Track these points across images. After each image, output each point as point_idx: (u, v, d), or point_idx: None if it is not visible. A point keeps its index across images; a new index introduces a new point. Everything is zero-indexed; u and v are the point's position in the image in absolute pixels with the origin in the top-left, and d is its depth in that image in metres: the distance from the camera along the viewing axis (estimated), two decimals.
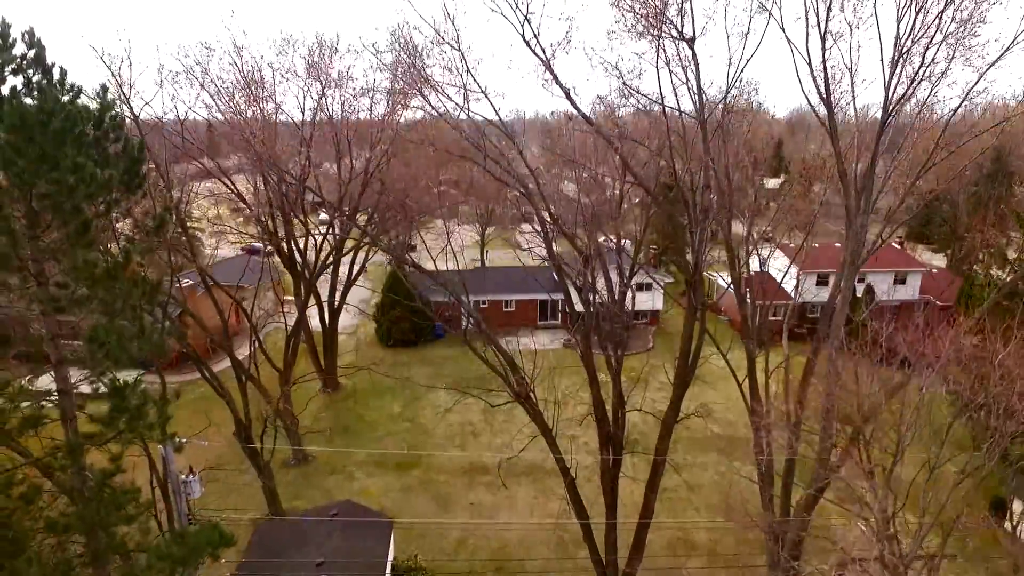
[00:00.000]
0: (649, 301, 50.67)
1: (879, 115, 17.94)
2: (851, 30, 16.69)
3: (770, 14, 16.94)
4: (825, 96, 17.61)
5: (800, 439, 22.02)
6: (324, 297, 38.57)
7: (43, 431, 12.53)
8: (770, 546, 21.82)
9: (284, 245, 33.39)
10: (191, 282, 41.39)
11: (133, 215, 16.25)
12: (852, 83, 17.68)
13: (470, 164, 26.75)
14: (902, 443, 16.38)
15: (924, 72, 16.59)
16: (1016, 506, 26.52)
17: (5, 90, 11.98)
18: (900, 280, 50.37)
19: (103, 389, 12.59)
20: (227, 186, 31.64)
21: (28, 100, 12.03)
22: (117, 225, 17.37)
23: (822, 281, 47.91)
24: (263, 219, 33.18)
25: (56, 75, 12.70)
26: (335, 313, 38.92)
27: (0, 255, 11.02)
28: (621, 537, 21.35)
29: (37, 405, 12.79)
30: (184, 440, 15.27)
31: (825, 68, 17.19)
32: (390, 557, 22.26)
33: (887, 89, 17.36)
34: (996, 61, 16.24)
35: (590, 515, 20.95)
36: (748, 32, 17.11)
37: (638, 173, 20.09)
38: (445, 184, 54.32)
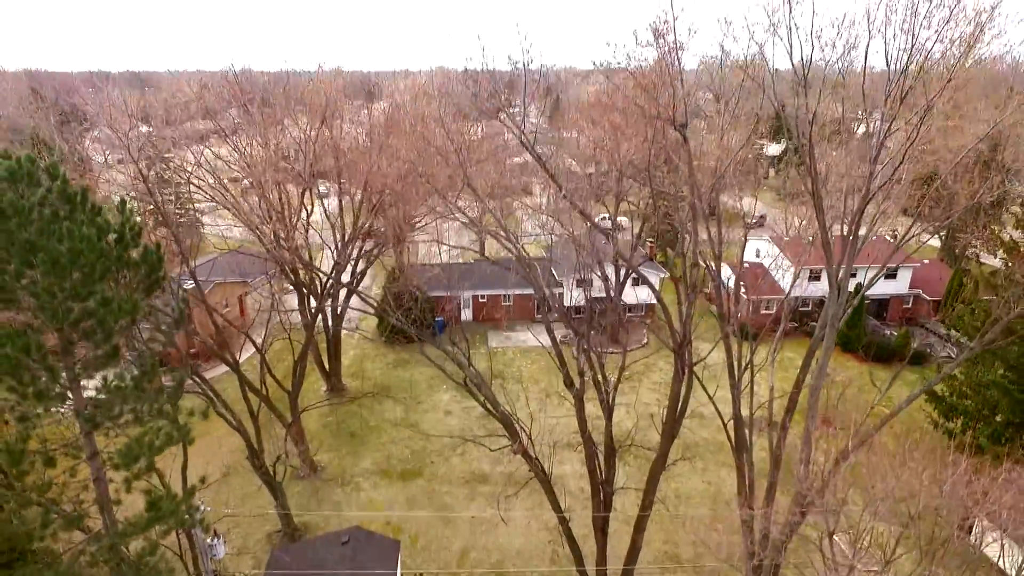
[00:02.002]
0: (644, 294, 51.65)
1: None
2: None
3: None
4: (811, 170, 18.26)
5: (784, 443, 23.28)
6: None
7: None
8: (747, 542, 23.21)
9: (289, 264, 34.08)
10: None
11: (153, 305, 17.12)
12: None
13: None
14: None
15: None
16: (979, 522, 28.24)
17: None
18: (891, 275, 51.28)
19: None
20: (232, 207, 32.16)
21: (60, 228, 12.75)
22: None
23: (815, 276, 48.83)
24: (267, 231, 33.87)
25: (78, 197, 13.38)
26: (338, 318, 39.98)
27: (41, 392, 12.03)
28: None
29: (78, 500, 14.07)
30: (209, 508, 16.66)
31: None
32: (398, 574, 24.05)
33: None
34: None
35: (586, 536, 22.59)
36: None
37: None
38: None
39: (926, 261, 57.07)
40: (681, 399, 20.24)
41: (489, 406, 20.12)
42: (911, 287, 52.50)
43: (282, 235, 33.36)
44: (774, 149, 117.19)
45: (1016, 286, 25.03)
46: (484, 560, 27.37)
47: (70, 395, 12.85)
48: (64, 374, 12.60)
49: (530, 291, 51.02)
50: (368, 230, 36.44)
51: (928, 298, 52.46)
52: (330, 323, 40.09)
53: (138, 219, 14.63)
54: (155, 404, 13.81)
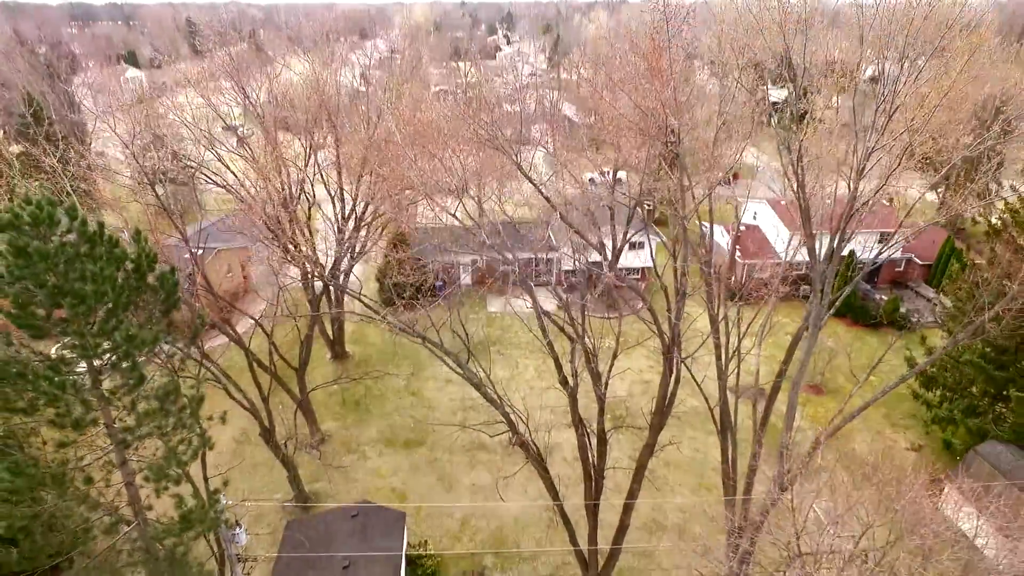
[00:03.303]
0: (641, 258, 52.46)
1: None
2: None
3: None
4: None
5: (770, 413, 24.65)
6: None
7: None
8: (728, 517, 25.07)
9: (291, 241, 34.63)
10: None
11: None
12: None
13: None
14: None
15: None
16: (949, 488, 30.14)
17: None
18: (886, 240, 51.89)
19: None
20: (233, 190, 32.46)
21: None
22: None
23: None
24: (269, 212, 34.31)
25: (97, 234, 14.07)
26: (341, 292, 40.84)
27: (78, 420, 13.10)
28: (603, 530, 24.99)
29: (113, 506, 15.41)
30: (231, 502, 18.10)
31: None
32: (404, 547, 25.97)
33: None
34: None
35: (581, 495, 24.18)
36: None
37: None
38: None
39: (921, 223, 57.52)
40: (668, 395, 21.44)
41: (490, 399, 21.27)
42: (904, 251, 53.21)
43: (284, 216, 33.80)
44: (778, 95, 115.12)
45: (1001, 275, 25.98)
46: (484, 527, 29.35)
47: (102, 419, 13.96)
48: (95, 401, 13.66)
49: (529, 256, 51.74)
50: (366, 208, 36.84)
51: (920, 262, 53.33)
52: (332, 294, 41.01)
53: (152, 247, 15.32)
54: (179, 420, 14.95)
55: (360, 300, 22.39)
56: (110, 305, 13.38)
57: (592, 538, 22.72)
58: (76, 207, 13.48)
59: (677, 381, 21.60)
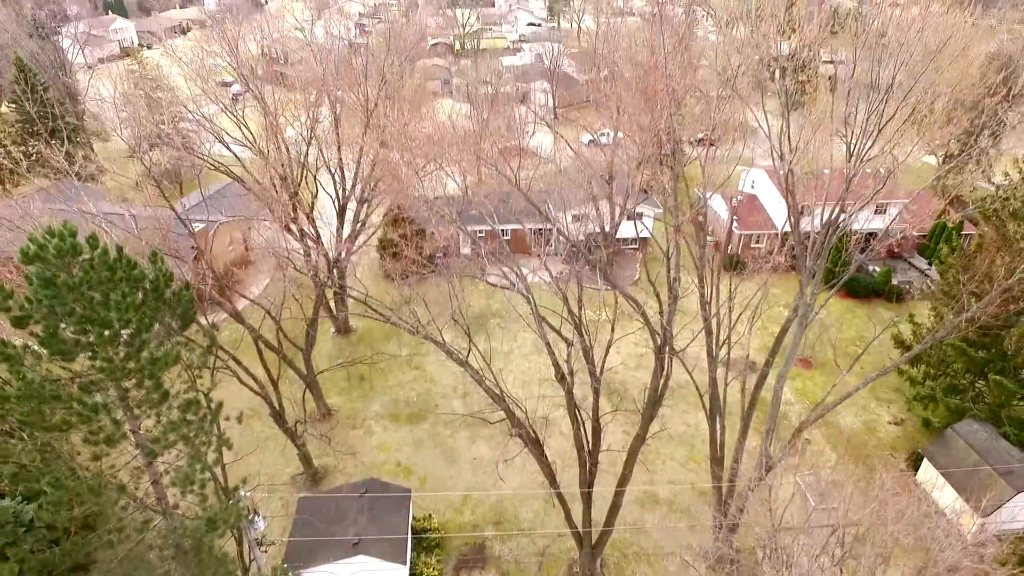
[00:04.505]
0: (640, 227, 52.89)
1: None
2: None
3: None
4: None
5: (757, 396, 25.95)
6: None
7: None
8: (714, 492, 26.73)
9: (295, 222, 35.16)
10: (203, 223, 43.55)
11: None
12: None
13: None
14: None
15: None
16: (926, 466, 31.72)
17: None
18: (881, 210, 52.39)
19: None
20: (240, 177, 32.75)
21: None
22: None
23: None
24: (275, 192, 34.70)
25: (117, 261, 14.79)
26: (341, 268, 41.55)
27: (109, 436, 14.13)
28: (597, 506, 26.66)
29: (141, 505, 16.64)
30: (249, 493, 19.41)
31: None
32: (409, 522, 27.61)
33: None
34: None
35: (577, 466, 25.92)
36: None
37: None
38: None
39: (917, 192, 57.85)
40: (659, 391, 22.54)
41: (492, 395, 22.36)
42: (899, 221, 53.67)
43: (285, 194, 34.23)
44: (785, 48, 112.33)
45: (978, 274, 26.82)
46: (485, 500, 31.03)
47: (131, 434, 15.01)
48: (124, 418, 14.67)
49: (528, 226, 52.15)
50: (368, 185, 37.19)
51: (915, 233, 53.86)
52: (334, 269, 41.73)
53: (168, 268, 16.04)
54: (200, 427, 16.02)
55: (366, 304, 23.17)
56: (133, 328, 14.22)
57: (586, 519, 24.27)
58: (96, 237, 14.14)
59: (667, 378, 22.67)
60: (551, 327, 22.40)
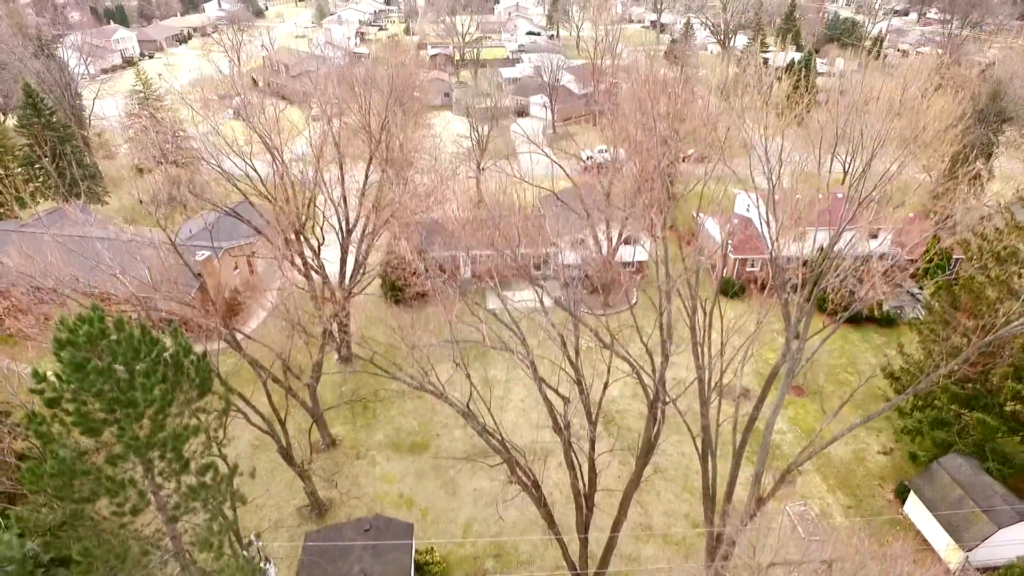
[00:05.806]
0: (637, 252, 53.97)
1: None
2: None
3: None
4: None
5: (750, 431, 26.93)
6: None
7: None
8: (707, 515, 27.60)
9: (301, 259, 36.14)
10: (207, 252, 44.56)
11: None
12: None
13: None
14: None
15: None
16: (913, 499, 32.72)
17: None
18: (873, 235, 53.37)
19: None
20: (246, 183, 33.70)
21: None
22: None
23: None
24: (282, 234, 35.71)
25: (141, 341, 15.78)
26: (347, 292, 42.54)
27: (135, 507, 15.13)
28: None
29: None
30: (262, 543, 20.39)
31: None
32: (412, 557, 28.59)
33: None
34: None
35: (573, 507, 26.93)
36: None
37: None
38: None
39: (910, 215, 58.86)
40: (653, 439, 23.54)
41: (495, 448, 23.36)
42: (892, 246, 54.69)
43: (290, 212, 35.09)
44: (782, 59, 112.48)
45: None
46: (485, 531, 32.01)
47: (153, 497, 16.02)
48: (148, 489, 15.67)
49: (529, 251, 53.15)
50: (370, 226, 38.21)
51: (907, 258, 54.85)
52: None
53: (186, 341, 17.04)
54: (218, 490, 17.03)
55: (373, 363, 24.20)
56: (157, 407, 15.22)
57: (583, 561, 25.26)
58: (123, 322, 15.14)
59: (661, 426, 23.66)
60: (549, 386, 23.38)
